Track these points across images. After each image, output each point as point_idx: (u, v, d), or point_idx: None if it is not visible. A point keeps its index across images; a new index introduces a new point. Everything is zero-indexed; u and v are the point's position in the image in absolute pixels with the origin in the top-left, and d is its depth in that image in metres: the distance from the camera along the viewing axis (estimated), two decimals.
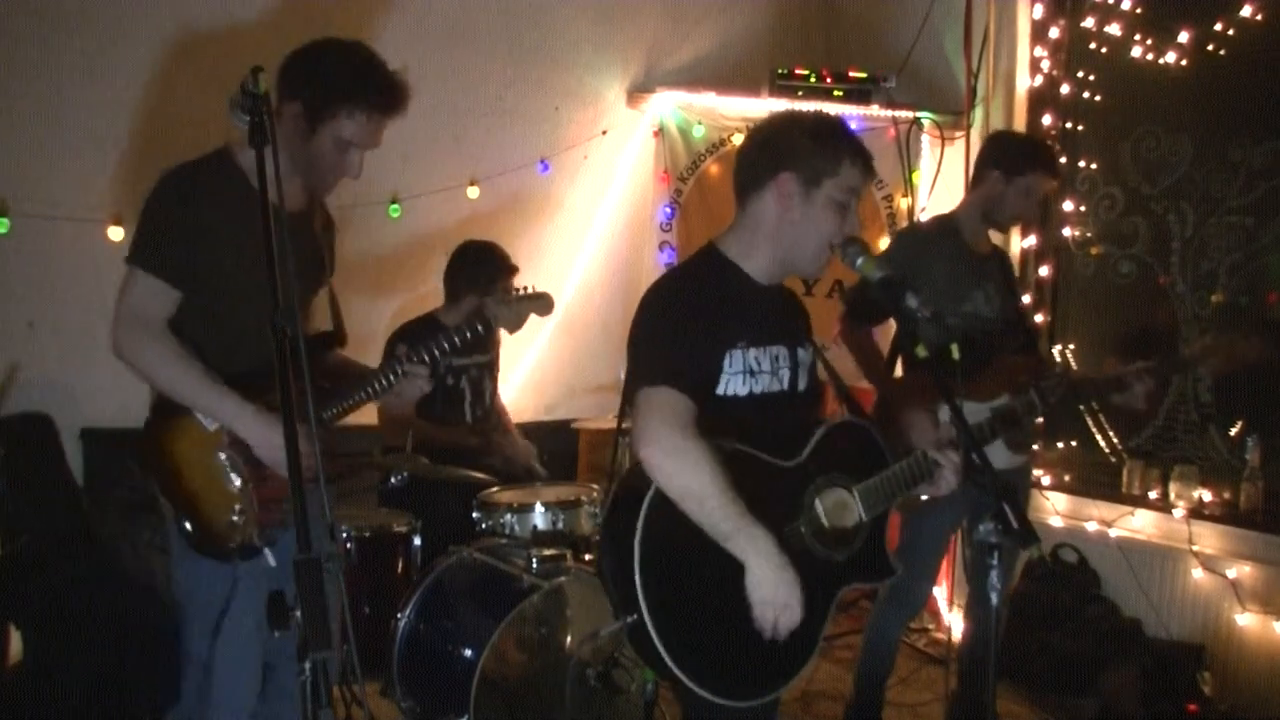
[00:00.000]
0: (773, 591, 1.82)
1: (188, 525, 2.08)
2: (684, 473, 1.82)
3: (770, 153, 2.05)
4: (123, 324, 2.07)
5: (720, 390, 1.98)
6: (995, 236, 3.38)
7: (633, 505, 1.85)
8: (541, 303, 2.49)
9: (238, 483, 2.10)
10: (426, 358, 2.27)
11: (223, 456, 2.09)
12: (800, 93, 4.70)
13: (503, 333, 3.99)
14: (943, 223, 3.21)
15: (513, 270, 3.83)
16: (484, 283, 3.77)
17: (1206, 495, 3.74)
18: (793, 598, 1.83)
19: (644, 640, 1.81)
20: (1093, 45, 4.22)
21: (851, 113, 4.68)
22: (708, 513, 1.82)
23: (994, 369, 2.92)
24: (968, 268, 3.06)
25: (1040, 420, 3.05)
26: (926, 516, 3.05)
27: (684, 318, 1.97)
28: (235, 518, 2.08)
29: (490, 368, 3.94)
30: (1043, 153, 3.13)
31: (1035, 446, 3.98)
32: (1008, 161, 3.03)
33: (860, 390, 3.54)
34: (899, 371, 3.22)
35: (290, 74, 2.12)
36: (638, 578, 1.79)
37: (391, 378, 2.23)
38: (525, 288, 2.53)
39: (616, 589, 1.88)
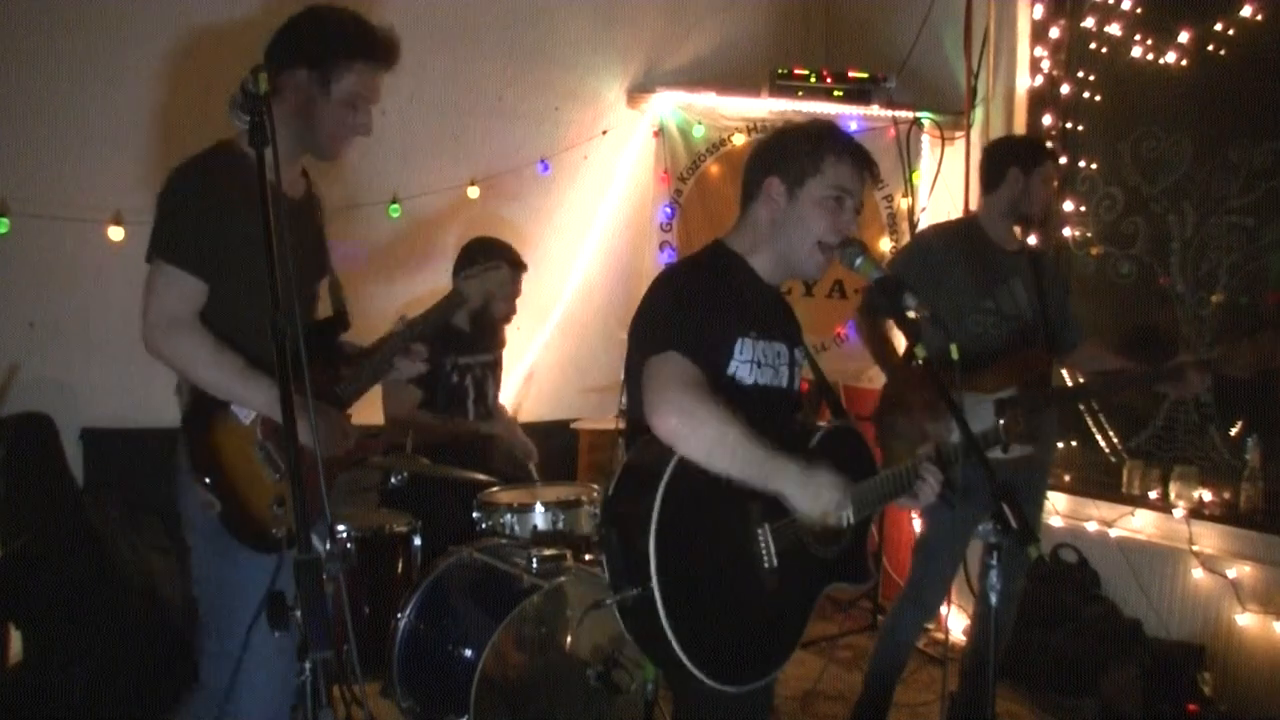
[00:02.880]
0: (821, 502, 1.85)
1: (238, 519, 2.06)
2: (702, 428, 1.82)
3: (759, 160, 2.11)
4: (157, 322, 2.02)
5: (729, 374, 2.00)
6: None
7: (650, 477, 1.83)
8: (499, 274, 2.73)
9: (277, 474, 2.10)
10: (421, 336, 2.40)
11: (261, 449, 2.10)
12: (800, 93, 4.70)
13: (506, 333, 4.03)
14: (964, 223, 3.28)
15: (520, 267, 3.83)
16: None
17: (1206, 495, 3.74)
18: (840, 497, 1.86)
19: (647, 615, 1.80)
20: (1093, 45, 4.23)
21: (851, 113, 4.69)
22: (738, 460, 1.83)
23: (1003, 362, 2.96)
24: (993, 265, 3.11)
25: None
26: (943, 520, 3.06)
27: (697, 296, 2.00)
28: (277, 509, 2.09)
29: (494, 367, 3.94)
30: (1043, 143, 3.40)
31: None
32: (1024, 157, 3.15)
33: (856, 390, 3.54)
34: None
35: (287, 44, 2.11)
36: (652, 549, 1.78)
37: (391, 356, 2.33)
38: (493, 263, 2.77)
39: (624, 560, 1.86)
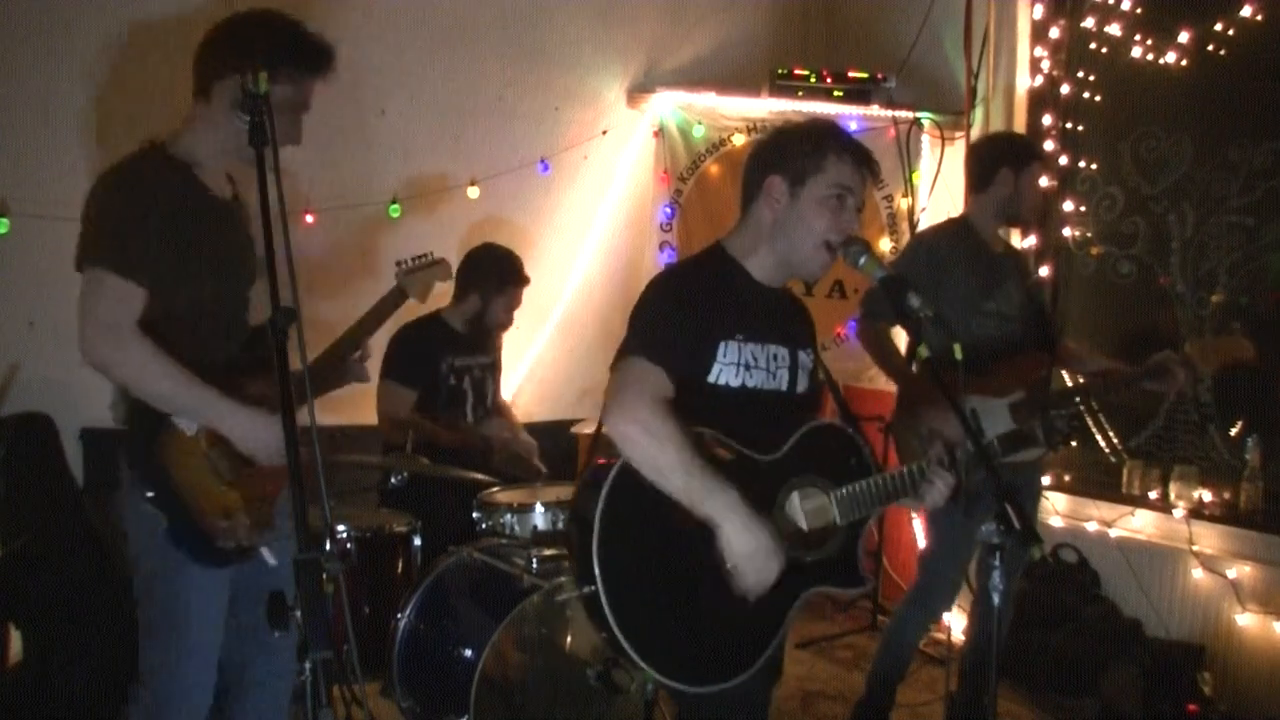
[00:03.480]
0: (748, 549, 1.84)
1: (187, 533, 2.02)
2: (651, 442, 1.84)
3: (760, 159, 2.11)
4: (95, 331, 1.95)
5: (711, 378, 2.00)
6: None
7: (599, 478, 1.89)
8: (440, 268, 3.04)
9: (225, 484, 2.07)
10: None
11: (207, 459, 2.06)
12: (800, 93, 4.70)
13: (504, 337, 4.03)
14: (958, 226, 3.26)
15: (523, 280, 3.83)
16: (491, 286, 3.76)
17: (1206, 495, 3.74)
18: (769, 554, 1.85)
19: (598, 613, 1.84)
20: (1093, 45, 4.23)
21: (851, 113, 4.69)
22: (675, 479, 1.84)
23: (1010, 364, 2.96)
24: (989, 267, 3.11)
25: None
26: (951, 523, 3.05)
27: (680, 301, 2.01)
28: (227, 520, 2.05)
29: (492, 369, 3.94)
30: (1033, 142, 3.38)
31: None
32: (1013, 157, 3.12)
33: (862, 391, 3.54)
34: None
35: (225, 49, 2.07)
36: (595, 549, 1.83)
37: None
38: (426, 255, 3.03)
39: (577, 559, 1.92)
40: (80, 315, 1.97)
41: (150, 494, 2.01)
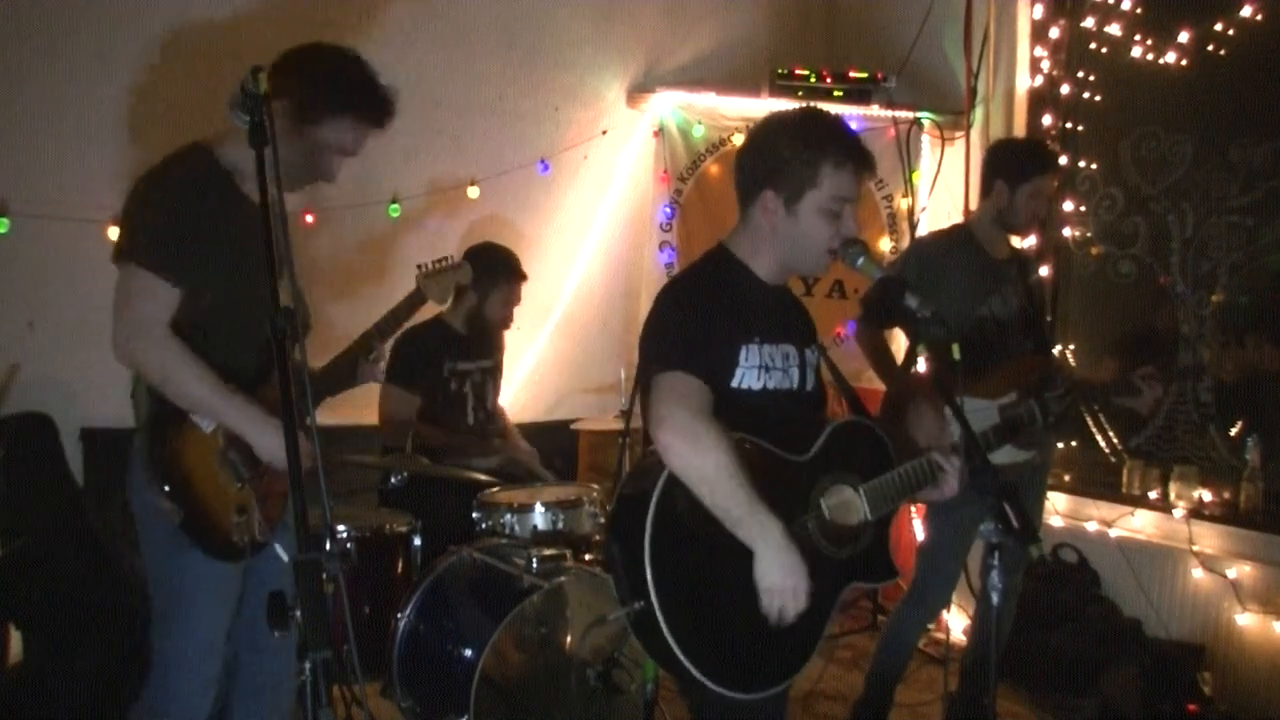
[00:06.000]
0: (781, 578, 1.83)
1: (200, 527, 2.06)
2: (697, 455, 1.83)
3: (754, 168, 2.07)
4: (126, 327, 2.01)
5: (734, 383, 1.99)
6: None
7: (644, 491, 1.86)
8: (459, 271, 2.97)
9: (240, 480, 2.10)
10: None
11: (223, 457, 2.10)
12: (800, 93, 4.70)
13: (505, 337, 4.02)
14: (956, 232, 3.28)
15: (519, 275, 3.82)
16: (486, 281, 3.75)
17: (1206, 495, 3.74)
18: (800, 585, 1.84)
19: (651, 628, 1.81)
20: (1093, 45, 4.23)
21: (851, 113, 4.68)
22: (719, 497, 1.83)
23: (1004, 368, 2.97)
24: (984, 273, 3.12)
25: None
26: (947, 520, 3.06)
27: (700, 309, 2.00)
28: (239, 517, 2.09)
29: (493, 373, 3.93)
30: (1041, 154, 3.23)
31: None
32: (1009, 171, 3.12)
33: (863, 390, 3.53)
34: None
35: (283, 72, 2.07)
36: (648, 563, 1.80)
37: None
38: (446, 258, 2.96)
39: (625, 575, 1.88)
40: (113, 312, 2.02)
41: (166, 488, 2.04)
